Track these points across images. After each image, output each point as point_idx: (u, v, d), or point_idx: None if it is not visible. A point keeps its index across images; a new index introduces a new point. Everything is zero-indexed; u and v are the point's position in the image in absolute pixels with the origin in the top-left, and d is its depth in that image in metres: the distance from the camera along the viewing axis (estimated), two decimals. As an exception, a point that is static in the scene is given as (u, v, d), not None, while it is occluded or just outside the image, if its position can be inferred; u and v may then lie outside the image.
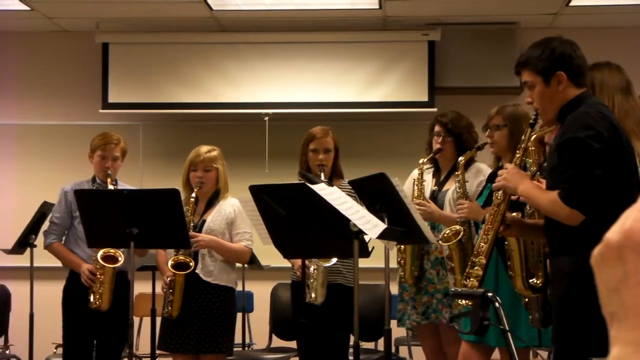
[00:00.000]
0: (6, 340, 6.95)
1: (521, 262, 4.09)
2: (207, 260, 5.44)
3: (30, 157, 8.36)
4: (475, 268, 4.22)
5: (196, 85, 8.13)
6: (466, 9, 7.72)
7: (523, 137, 4.02)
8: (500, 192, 4.04)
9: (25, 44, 8.52)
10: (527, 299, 4.13)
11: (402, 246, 5.29)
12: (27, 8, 7.69)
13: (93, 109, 8.21)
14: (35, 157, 8.36)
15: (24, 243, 6.37)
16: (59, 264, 5.88)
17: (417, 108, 7.90)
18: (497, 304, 3.11)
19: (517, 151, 4.04)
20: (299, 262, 4.92)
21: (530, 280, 4.07)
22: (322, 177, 5.38)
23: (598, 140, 3.58)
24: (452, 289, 3.37)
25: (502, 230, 4.01)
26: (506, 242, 4.15)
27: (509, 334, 3.12)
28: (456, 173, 5.14)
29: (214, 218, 5.49)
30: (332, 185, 4.94)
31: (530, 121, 3.96)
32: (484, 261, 4.17)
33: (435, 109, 7.48)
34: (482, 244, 4.18)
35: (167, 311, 5.36)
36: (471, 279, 4.20)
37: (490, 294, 3.13)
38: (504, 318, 3.14)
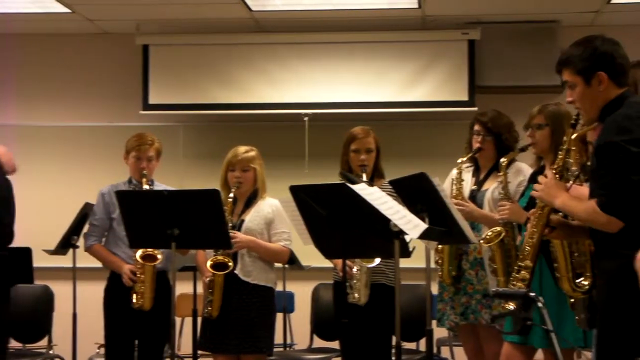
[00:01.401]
0: (50, 340, 7.01)
1: (566, 263, 4.05)
2: (246, 260, 5.45)
3: (72, 158, 8.43)
4: (522, 272, 4.19)
5: (236, 85, 8.15)
6: (506, 7, 7.67)
7: (565, 138, 3.98)
8: None
9: (66, 46, 8.59)
10: (572, 299, 4.09)
11: (440, 246, 5.27)
12: (68, 10, 7.75)
13: (134, 110, 8.26)
14: (77, 159, 8.42)
15: (66, 244, 6.42)
16: (101, 264, 5.92)
17: (457, 107, 7.88)
18: (540, 304, 3.08)
19: (559, 153, 4.00)
20: (341, 262, 4.91)
21: (577, 281, 4.03)
22: (364, 178, 5.36)
23: (635, 144, 3.52)
24: (493, 290, 3.34)
25: (547, 232, 3.98)
26: (551, 244, 4.11)
27: (552, 334, 3.09)
28: (498, 174, 5.11)
29: (253, 218, 5.50)
30: (372, 186, 4.92)
31: (572, 121, 3.92)
32: (530, 264, 4.14)
33: (475, 108, 7.46)
34: (527, 247, 4.15)
35: (207, 311, 5.37)
36: (518, 283, 4.17)
37: (532, 294, 3.10)
38: (547, 318, 3.11)
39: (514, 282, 4.25)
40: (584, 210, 3.64)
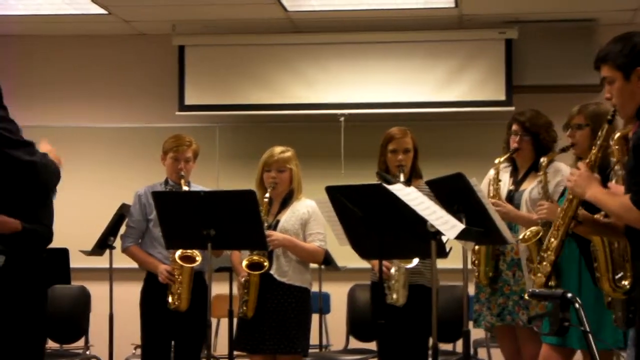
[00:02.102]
0: (87, 341, 7.04)
1: (607, 263, 4.00)
2: (281, 260, 5.44)
3: (108, 159, 8.47)
4: (544, 264, 4.16)
5: (272, 86, 8.15)
6: (544, 6, 7.61)
7: (599, 133, 3.94)
8: None
9: (103, 48, 8.64)
10: (610, 298, 4.04)
11: (477, 247, 5.23)
12: (104, 12, 7.79)
13: (170, 111, 8.29)
14: (113, 160, 8.46)
15: (103, 245, 6.45)
16: (137, 265, 5.93)
17: (494, 107, 7.83)
18: (577, 305, 3.03)
19: (593, 148, 3.96)
20: (378, 262, 4.88)
21: (617, 277, 3.98)
22: (402, 178, 5.34)
23: None
24: (530, 290, 3.31)
25: (574, 226, 3.94)
26: (592, 243, 4.06)
27: (589, 335, 3.05)
28: (538, 173, 5.06)
29: (288, 218, 5.49)
30: (410, 186, 4.89)
31: (608, 117, 3.87)
32: (552, 257, 4.11)
33: (513, 108, 7.41)
34: (552, 240, 4.12)
35: (242, 311, 5.38)
36: (538, 275, 4.14)
37: (570, 295, 3.06)
38: (585, 319, 3.06)
39: (534, 274, 4.21)
40: (617, 204, 3.60)
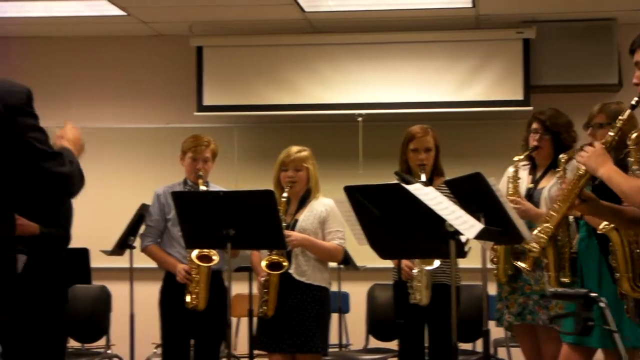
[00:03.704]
0: (108, 340, 7.07)
1: (626, 262, 4.00)
2: (300, 259, 5.46)
3: (128, 159, 8.51)
4: (540, 234, 4.16)
5: (290, 87, 8.17)
6: (562, 5, 7.60)
7: (620, 116, 3.89)
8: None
9: (122, 49, 8.67)
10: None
11: (497, 246, 5.23)
12: (123, 13, 7.83)
13: (188, 111, 8.32)
14: (132, 160, 8.50)
15: (123, 244, 6.48)
16: (157, 264, 5.96)
17: (512, 107, 7.83)
18: (601, 304, 3.04)
19: (611, 130, 3.92)
20: (402, 262, 4.89)
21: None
22: (423, 177, 5.34)
23: None
24: (551, 289, 3.31)
25: (577, 203, 3.93)
26: (610, 243, 4.06)
27: (617, 334, 3.05)
28: (557, 170, 5.06)
29: (306, 217, 5.51)
30: (431, 185, 4.90)
31: (632, 102, 3.83)
32: (550, 230, 4.11)
33: (530, 108, 7.42)
34: (553, 213, 4.12)
35: (262, 311, 5.40)
36: (532, 244, 4.16)
37: (593, 294, 3.06)
38: (610, 318, 3.06)
39: (528, 243, 4.25)
40: (628, 185, 3.60)
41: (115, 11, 7.77)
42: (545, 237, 4.27)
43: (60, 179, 3.00)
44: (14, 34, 8.63)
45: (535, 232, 4.29)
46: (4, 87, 3.01)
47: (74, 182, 3.06)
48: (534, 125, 5.37)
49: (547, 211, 4.27)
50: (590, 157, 3.80)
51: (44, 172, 2.99)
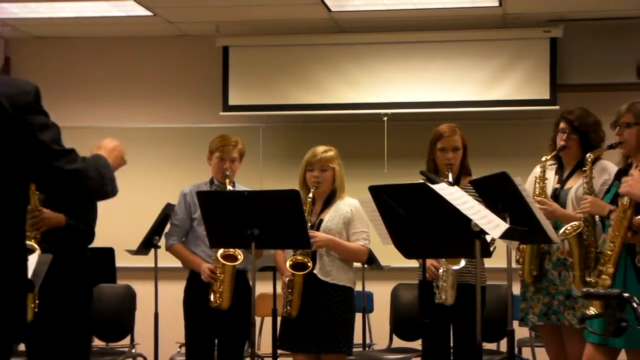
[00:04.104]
0: (132, 339, 7.09)
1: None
2: (325, 260, 5.45)
3: (153, 159, 8.53)
4: (603, 277, 4.11)
5: (315, 86, 8.17)
6: (589, 4, 7.56)
7: None
8: (627, 197, 3.90)
9: (148, 49, 8.71)
10: None
11: (522, 246, 5.20)
12: (150, 14, 7.85)
13: (214, 111, 8.33)
14: (158, 160, 8.52)
15: (148, 244, 6.49)
16: (181, 264, 5.96)
17: (538, 106, 7.79)
18: (634, 304, 3.00)
19: None
20: (428, 261, 4.87)
21: None
22: (450, 177, 5.32)
23: None
24: (584, 290, 3.27)
25: (630, 236, 3.90)
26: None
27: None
28: (583, 169, 5.03)
29: (331, 217, 5.50)
30: (458, 184, 4.88)
31: None
32: (611, 270, 4.07)
33: (557, 107, 7.39)
34: (609, 252, 4.07)
35: (286, 311, 5.39)
36: (603, 277, 4.09)
37: (627, 294, 3.02)
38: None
39: (595, 278, 4.17)
40: None
41: (141, 12, 7.79)
42: (609, 280, 4.23)
43: (72, 176, 2.96)
44: (43, 35, 8.67)
45: (594, 277, 4.24)
46: (11, 86, 2.98)
47: (88, 178, 2.99)
48: (562, 125, 5.34)
49: (604, 250, 4.21)
50: (632, 185, 3.78)
51: (55, 170, 2.96)
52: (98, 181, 3.04)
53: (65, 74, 8.75)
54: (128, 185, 8.26)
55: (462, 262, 5.24)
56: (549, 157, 5.32)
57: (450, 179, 5.31)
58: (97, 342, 7.07)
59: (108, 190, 3.14)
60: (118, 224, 7.56)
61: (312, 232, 5.30)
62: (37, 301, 5.12)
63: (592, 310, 4.29)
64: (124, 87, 8.72)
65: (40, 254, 4.52)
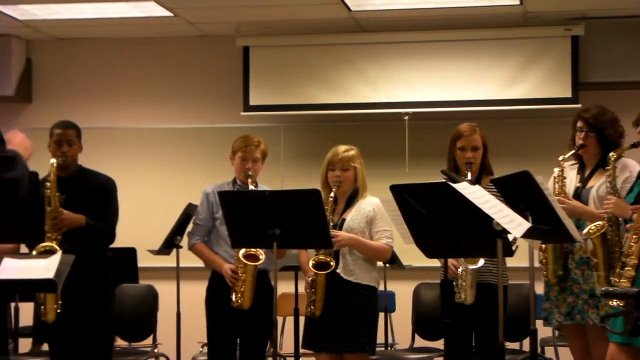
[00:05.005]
0: (154, 339, 7.11)
1: None
2: (348, 259, 5.44)
3: (174, 159, 8.55)
4: (627, 269, 4.09)
5: (336, 86, 8.17)
6: (610, 2, 7.52)
7: None
8: None
9: (168, 50, 8.73)
10: None
11: (544, 245, 5.19)
12: (170, 14, 7.87)
13: (235, 111, 8.35)
14: (179, 160, 8.55)
15: (170, 244, 6.51)
16: (203, 264, 5.98)
17: (560, 104, 7.77)
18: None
19: None
20: (449, 261, 4.86)
21: None
22: (469, 176, 5.30)
23: None
24: (603, 289, 3.26)
25: None
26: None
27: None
28: (606, 168, 5.01)
29: (354, 217, 5.49)
30: (479, 183, 4.87)
31: None
32: (635, 261, 4.05)
33: (579, 105, 7.34)
34: (632, 244, 4.05)
35: (309, 310, 5.40)
36: (622, 280, 4.07)
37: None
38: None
39: (618, 279, 4.14)
40: None
41: (162, 12, 7.82)
42: (633, 271, 4.21)
43: (10, 184, 2.72)
44: (64, 36, 8.71)
45: (618, 270, 4.21)
46: None
47: (24, 186, 2.77)
48: (579, 124, 5.32)
49: (627, 244, 4.18)
50: None
51: None
52: (33, 188, 2.83)
53: (86, 75, 8.78)
54: (149, 185, 8.40)
55: (481, 262, 5.23)
56: (566, 157, 5.31)
57: (470, 178, 5.30)
58: (119, 342, 7.09)
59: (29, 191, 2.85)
60: (140, 224, 7.58)
61: (334, 232, 5.30)
62: (59, 302, 5.17)
63: (615, 303, 4.26)
64: (144, 87, 8.75)
65: (62, 254, 4.56)
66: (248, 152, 5.77)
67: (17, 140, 3.25)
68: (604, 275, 4.78)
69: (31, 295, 5.47)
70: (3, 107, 8.47)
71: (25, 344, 7.25)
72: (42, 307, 5.22)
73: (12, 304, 6.56)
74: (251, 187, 5.67)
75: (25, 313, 6.47)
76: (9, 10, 7.78)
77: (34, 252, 5.13)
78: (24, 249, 5.48)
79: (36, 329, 5.90)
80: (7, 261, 4.43)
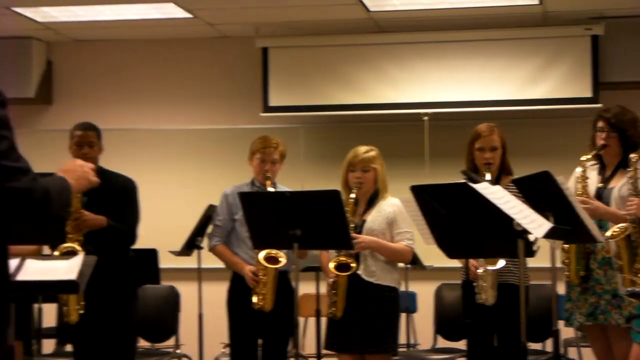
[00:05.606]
0: (177, 340, 7.13)
1: None
2: (369, 260, 5.44)
3: (195, 160, 8.57)
4: None
5: (355, 86, 8.17)
6: (630, 1, 7.49)
7: None
8: None
9: (188, 51, 8.75)
10: None
11: (566, 246, 5.17)
12: (189, 16, 7.90)
13: (254, 112, 8.36)
14: (199, 161, 8.56)
15: (191, 245, 6.53)
16: (224, 265, 5.99)
17: (580, 104, 7.74)
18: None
19: None
20: (470, 261, 4.85)
21: None
22: (488, 176, 5.29)
23: None
24: (629, 289, 3.26)
25: None
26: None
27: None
28: (628, 169, 4.99)
29: (374, 218, 5.49)
30: (498, 184, 4.86)
31: None
32: None
33: (599, 105, 7.31)
34: None
35: (331, 312, 5.40)
36: None
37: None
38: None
39: (629, 274, 4.14)
40: None
41: (181, 14, 7.84)
42: None
43: (13, 194, 2.64)
44: (84, 38, 8.75)
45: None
46: None
47: (33, 199, 2.68)
48: (600, 124, 5.30)
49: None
50: None
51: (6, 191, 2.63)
52: (43, 203, 2.76)
53: (106, 77, 8.81)
54: (170, 187, 8.42)
55: (501, 262, 5.22)
56: (589, 157, 5.29)
57: (489, 178, 5.29)
58: (142, 343, 7.11)
59: (54, 212, 2.78)
60: (161, 226, 7.60)
61: (355, 235, 5.30)
62: (82, 302, 5.20)
63: None
64: (164, 89, 8.77)
65: (85, 256, 4.58)
66: (266, 154, 5.78)
67: (67, 167, 3.10)
68: (628, 277, 4.76)
69: (54, 296, 5.49)
70: (24, 109, 8.52)
71: (49, 345, 7.28)
72: (64, 308, 5.25)
73: (35, 305, 6.59)
74: (269, 188, 5.68)
75: (49, 314, 6.51)
76: (29, 12, 7.83)
77: (56, 253, 5.16)
78: (46, 250, 5.51)
79: (59, 330, 5.93)
80: (30, 262, 4.44)
